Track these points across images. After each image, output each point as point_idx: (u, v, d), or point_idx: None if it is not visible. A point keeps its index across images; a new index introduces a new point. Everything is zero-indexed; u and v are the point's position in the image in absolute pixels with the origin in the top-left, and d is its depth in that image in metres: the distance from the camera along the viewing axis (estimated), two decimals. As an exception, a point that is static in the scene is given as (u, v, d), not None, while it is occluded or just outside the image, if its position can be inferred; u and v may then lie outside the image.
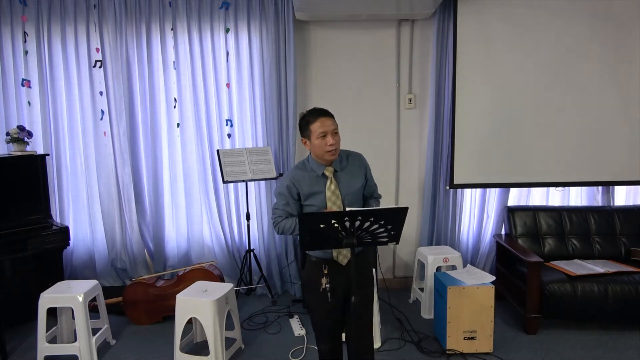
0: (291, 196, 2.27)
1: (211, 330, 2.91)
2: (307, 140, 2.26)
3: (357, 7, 3.75)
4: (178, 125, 4.16)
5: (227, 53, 4.07)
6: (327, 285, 2.15)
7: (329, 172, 2.25)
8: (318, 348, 2.41)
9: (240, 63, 4.10)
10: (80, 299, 3.01)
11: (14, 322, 3.54)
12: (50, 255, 3.69)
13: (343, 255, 2.27)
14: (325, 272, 2.20)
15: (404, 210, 2.05)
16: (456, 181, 4.05)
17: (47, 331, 3.05)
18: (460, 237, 4.29)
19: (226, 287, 3.16)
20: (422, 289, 3.88)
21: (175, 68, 4.08)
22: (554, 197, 4.31)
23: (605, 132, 3.98)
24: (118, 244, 4.25)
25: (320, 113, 2.23)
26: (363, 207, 2.36)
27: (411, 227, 4.30)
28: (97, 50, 4.04)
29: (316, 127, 2.20)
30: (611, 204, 4.23)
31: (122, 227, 4.23)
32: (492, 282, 3.15)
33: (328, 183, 2.24)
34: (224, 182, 3.88)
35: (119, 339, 3.43)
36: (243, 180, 3.91)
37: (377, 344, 3.20)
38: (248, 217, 4.04)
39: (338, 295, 2.26)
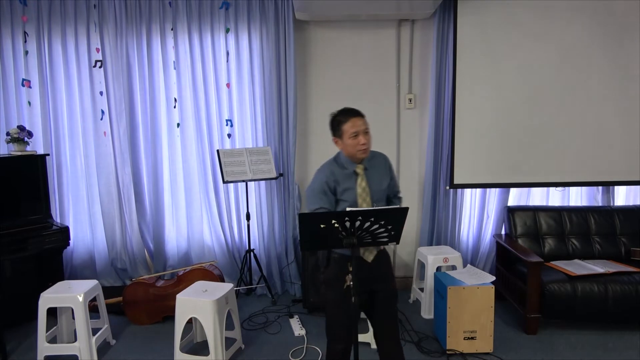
0: (329, 190, 2.30)
1: (211, 330, 2.91)
2: (338, 140, 2.32)
3: (357, 7, 3.75)
4: (178, 125, 4.16)
5: (227, 53, 4.08)
6: (352, 283, 2.15)
7: (360, 169, 2.31)
8: (330, 348, 2.38)
9: (240, 63, 4.10)
10: (80, 299, 3.01)
11: (14, 322, 3.53)
12: (50, 255, 3.69)
13: (369, 252, 2.30)
14: (350, 269, 2.20)
15: (404, 210, 2.05)
16: (456, 181, 4.05)
17: (47, 331, 3.05)
18: (460, 237, 4.29)
19: (226, 287, 3.16)
20: (422, 289, 3.88)
21: (175, 68, 4.08)
22: (554, 197, 4.31)
23: (606, 132, 3.98)
24: (118, 244, 4.25)
25: (352, 113, 2.29)
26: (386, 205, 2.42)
27: (411, 227, 4.30)
28: (97, 50, 4.04)
29: (348, 127, 2.26)
30: (611, 204, 4.22)
31: (122, 227, 4.24)
32: (492, 282, 3.15)
33: (359, 180, 2.30)
34: (224, 182, 3.88)
35: (119, 339, 3.43)
36: (243, 180, 3.91)
37: (377, 344, 3.20)
38: (248, 217, 4.04)
39: (360, 293, 2.24)
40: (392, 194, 2.49)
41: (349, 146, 2.28)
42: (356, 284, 2.10)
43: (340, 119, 2.29)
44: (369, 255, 2.32)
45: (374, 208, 2.22)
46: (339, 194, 2.29)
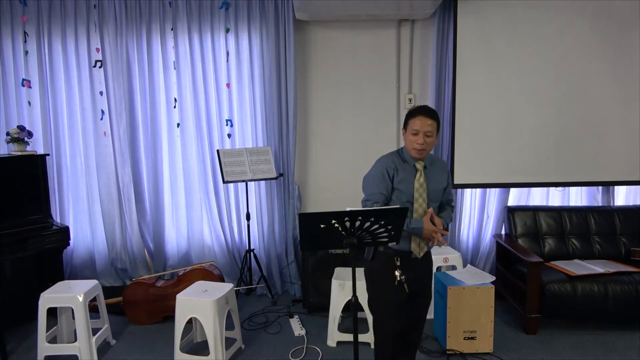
0: (388, 177, 2.32)
1: (211, 330, 2.91)
2: (404, 132, 2.37)
3: (357, 7, 3.75)
4: (178, 125, 4.16)
5: (227, 53, 4.08)
6: (403, 277, 2.14)
7: (420, 165, 2.34)
8: (379, 347, 2.36)
9: (240, 63, 4.10)
10: (80, 299, 3.01)
11: (14, 322, 3.53)
12: (50, 255, 3.69)
13: (420, 248, 2.31)
14: (398, 263, 2.19)
15: (404, 210, 2.05)
16: (456, 181, 4.05)
17: (47, 331, 3.05)
18: (460, 237, 4.30)
19: (226, 287, 3.16)
20: (422, 289, 3.88)
21: (175, 68, 4.08)
22: (554, 197, 4.31)
23: (605, 132, 3.97)
24: (118, 244, 4.25)
25: (423, 112, 2.30)
26: (439, 211, 2.44)
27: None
28: (97, 50, 4.04)
29: (413, 123, 2.30)
30: (611, 204, 4.22)
31: (122, 227, 4.24)
32: (492, 282, 3.15)
33: (417, 175, 2.32)
34: (224, 182, 3.88)
35: (119, 339, 3.43)
36: (243, 180, 3.91)
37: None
38: (248, 217, 4.04)
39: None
40: (446, 201, 2.50)
41: (407, 141, 2.34)
42: (407, 278, 2.12)
43: (412, 113, 2.33)
44: (420, 251, 2.32)
45: (374, 208, 2.22)
46: (395, 182, 2.32)
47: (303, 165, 4.29)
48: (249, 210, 4.06)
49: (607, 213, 3.94)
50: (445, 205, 2.50)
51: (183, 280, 3.61)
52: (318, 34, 4.15)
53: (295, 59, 3.98)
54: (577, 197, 4.32)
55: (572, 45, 3.90)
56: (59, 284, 3.27)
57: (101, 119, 4.12)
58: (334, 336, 3.28)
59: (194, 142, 4.16)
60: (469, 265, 3.62)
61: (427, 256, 2.44)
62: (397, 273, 2.14)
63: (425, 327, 3.46)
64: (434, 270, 3.58)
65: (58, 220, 4.10)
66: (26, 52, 3.99)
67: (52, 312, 3.11)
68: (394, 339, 2.33)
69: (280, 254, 4.24)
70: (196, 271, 3.67)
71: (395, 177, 2.32)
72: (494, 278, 3.23)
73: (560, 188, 4.23)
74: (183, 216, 4.28)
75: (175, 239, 4.33)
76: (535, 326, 3.40)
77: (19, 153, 3.68)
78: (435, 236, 2.26)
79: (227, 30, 4.05)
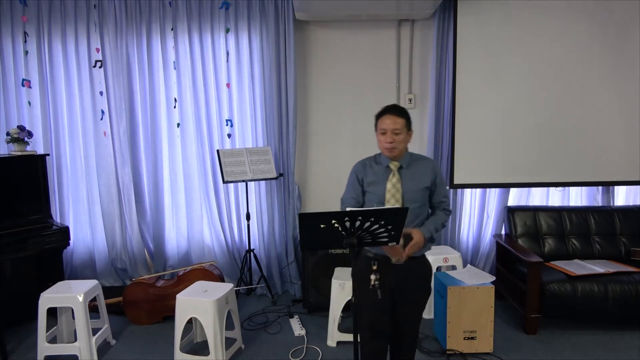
0: (358, 182, 2.34)
1: (211, 330, 2.91)
2: (376, 133, 2.34)
3: (357, 7, 3.75)
4: (178, 125, 4.16)
5: (227, 53, 4.08)
6: (376, 282, 2.11)
7: (394, 165, 2.31)
8: (360, 349, 2.32)
9: (240, 63, 4.10)
10: (80, 299, 3.01)
11: (14, 322, 3.53)
12: (50, 255, 3.69)
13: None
14: (375, 268, 2.17)
15: (404, 210, 2.05)
16: (456, 181, 4.05)
17: (47, 331, 3.05)
18: (460, 237, 4.29)
19: (226, 287, 3.17)
20: (422, 289, 3.87)
21: (175, 68, 4.08)
22: (554, 197, 4.31)
23: (605, 132, 3.98)
24: (118, 244, 4.25)
25: (390, 111, 2.29)
26: (430, 214, 2.40)
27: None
28: (97, 50, 4.04)
29: (381, 122, 2.29)
30: (611, 204, 4.23)
31: (122, 227, 4.24)
32: (492, 282, 3.15)
33: (390, 176, 2.29)
34: (224, 182, 3.88)
35: (119, 339, 3.43)
36: (243, 180, 3.91)
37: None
38: (248, 217, 4.04)
39: (386, 293, 2.22)
40: (437, 204, 2.38)
41: (378, 141, 2.32)
42: (382, 282, 2.08)
43: (380, 113, 2.32)
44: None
45: (374, 208, 2.21)
46: (365, 185, 2.32)
47: (303, 165, 4.29)
48: (249, 210, 4.06)
49: (607, 213, 3.94)
50: (436, 210, 2.40)
51: (183, 280, 3.61)
52: (318, 34, 4.15)
53: (295, 59, 3.98)
54: (577, 197, 4.32)
55: (572, 45, 3.90)
56: (59, 284, 3.27)
57: (101, 119, 4.12)
58: (334, 336, 3.28)
59: (194, 142, 4.16)
60: (469, 265, 3.63)
61: (416, 264, 2.32)
62: (372, 277, 2.11)
63: (425, 327, 3.49)
64: (434, 270, 3.60)
65: (58, 221, 4.10)
66: (26, 52, 3.99)
67: (52, 312, 3.11)
68: (371, 342, 2.32)
69: (280, 254, 4.24)
70: (196, 271, 3.67)
71: (365, 179, 2.32)
72: (494, 278, 3.23)
73: (560, 188, 4.23)
74: (183, 216, 4.28)
75: (175, 239, 4.33)
76: (535, 326, 3.40)
77: (19, 153, 3.68)
78: (392, 252, 2.20)
79: (227, 30, 4.05)
